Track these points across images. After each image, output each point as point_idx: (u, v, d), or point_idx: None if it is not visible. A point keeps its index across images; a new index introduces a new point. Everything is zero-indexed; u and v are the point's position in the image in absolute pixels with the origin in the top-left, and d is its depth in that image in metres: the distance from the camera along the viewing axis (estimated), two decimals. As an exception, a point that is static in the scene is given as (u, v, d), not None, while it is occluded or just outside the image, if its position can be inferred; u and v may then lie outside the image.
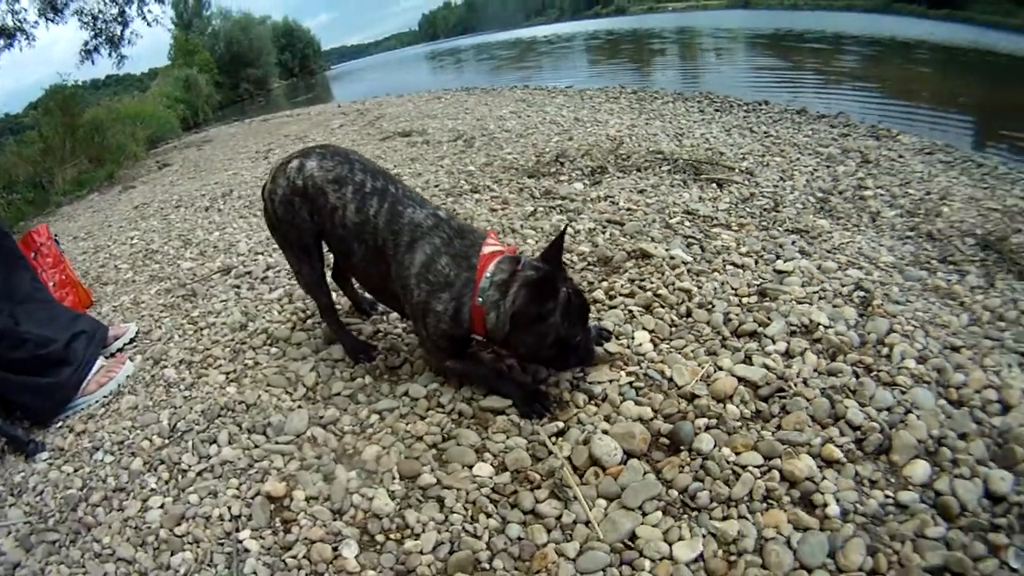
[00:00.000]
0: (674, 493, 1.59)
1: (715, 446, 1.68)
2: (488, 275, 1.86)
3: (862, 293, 2.49)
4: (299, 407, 2.11)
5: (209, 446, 2.01)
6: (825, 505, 1.49)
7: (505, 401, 1.95)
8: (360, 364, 2.30)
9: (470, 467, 1.76)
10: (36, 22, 11.76)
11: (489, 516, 1.62)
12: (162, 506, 1.82)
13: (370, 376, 2.22)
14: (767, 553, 1.40)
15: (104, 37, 12.71)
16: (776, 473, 1.58)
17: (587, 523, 1.55)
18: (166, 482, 1.92)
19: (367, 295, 2.69)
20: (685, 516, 1.54)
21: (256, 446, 1.97)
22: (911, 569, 1.31)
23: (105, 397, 2.43)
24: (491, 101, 9.77)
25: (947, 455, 1.58)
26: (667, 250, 2.87)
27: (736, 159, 4.79)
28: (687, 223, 3.28)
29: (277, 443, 1.97)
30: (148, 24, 12.90)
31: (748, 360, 2.04)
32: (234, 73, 27.45)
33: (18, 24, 11.76)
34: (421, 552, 1.53)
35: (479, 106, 9.10)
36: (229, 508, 1.75)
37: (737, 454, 1.66)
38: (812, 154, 5.12)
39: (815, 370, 1.96)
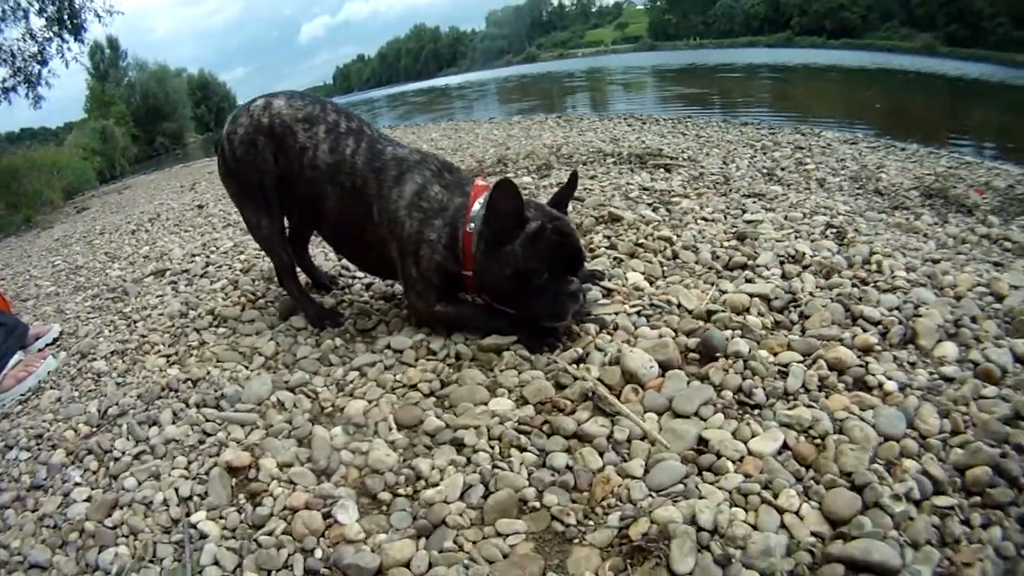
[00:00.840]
0: (728, 395, 1.37)
1: (750, 350, 1.49)
2: (481, 201, 1.67)
3: (834, 229, 2.48)
4: (258, 375, 1.76)
5: (148, 428, 1.60)
6: (880, 385, 1.36)
7: (508, 338, 1.67)
8: (326, 331, 1.97)
9: (484, 404, 1.46)
10: None
11: (523, 450, 1.30)
12: (89, 498, 1.42)
13: (340, 339, 1.89)
14: (849, 430, 1.22)
15: (22, 76, 11.90)
16: (823, 363, 1.43)
17: (644, 437, 1.29)
18: (94, 472, 1.51)
19: (323, 271, 2.41)
20: (748, 415, 1.32)
21: (208, 420, 1.58)
22: (987, 422, 1.22)
23: (23, 395, 2.05)
24: (417, 131, 9.76)
25: (968, 334, 1.57)
26: (635, 212, 2.75)
27: (676, 153, 4.78)
28: (646, 196, 3.16)
29: (236, 411, 1.59)
30: (66, 65, 12.16)
31: (751, 282, 1.89)
32: (150, 126, 25.77)
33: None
34: (446, 501, 1.20)
35: (406, 135, 9.00)
36: (176, 490, 1.34)
37: (775, 355, 1.49)
38: (747, 146, 5.20)
39: (817, 286, 1.88)
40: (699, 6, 55.02)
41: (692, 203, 2.95)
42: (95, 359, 2.17)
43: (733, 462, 1.19)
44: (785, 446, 1.22)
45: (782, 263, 2.07)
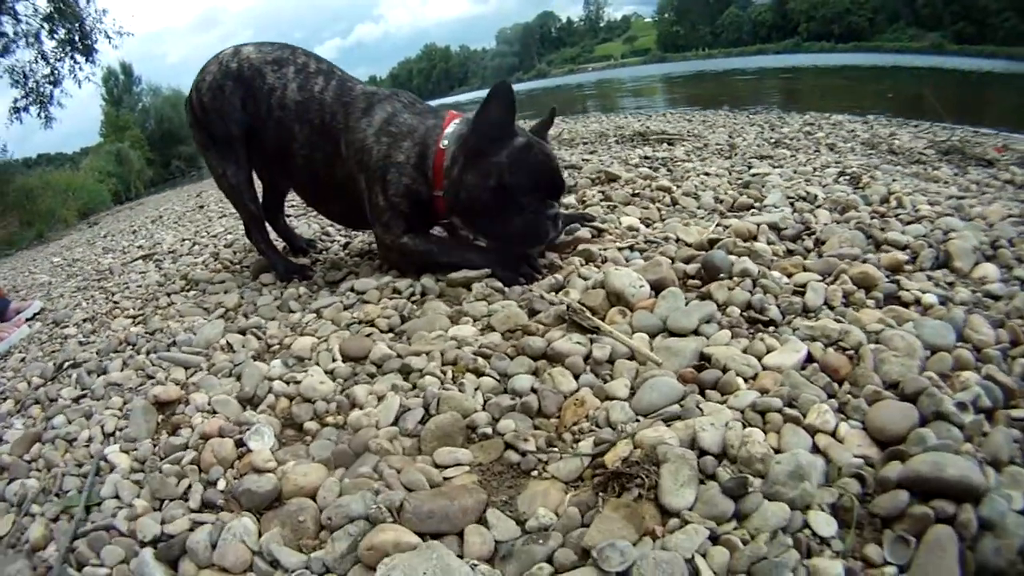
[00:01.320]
0: (735, 311, 1.14)
1: (760, 271, 1.26)
2: (457, 122, 1.56)
3: (848, 176, 2.27)
4: (211, 322, 1.58)
5: (97, 377, 1.46)
6: (918, 300, 1.14)
7: (481, 271, 1.47)
8: (293, 283, 1.79)
9: (443, 332, 1.24)
10: None
11: (480, 374, 1.08)
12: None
13: (305, 289, 1.71)
14: (888, 340, 0.98)
15: (34, 96, 11.91)
16: (846, 279, 1.20)
17: (632, 357, 1.05)
18: (33, 418, 1.38)
19: (300, 235, 2.24)
20: (761, 333, 1.08)
21: (153, 364, 1.42)
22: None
23: None
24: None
25: (1008, 255, 1.38)
26: (633, 173, 2.56)
27: (681, 132, 4.58)
28: (647, 163, 2.97)
29: (183, 352, 1.42)
30: (78, 84, 12.24)
31: (759, 215, 1.68)
32: (165, 150, 24.97)
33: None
34: (376, 425, 0.98)
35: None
36: (102, 427, 1.21)
37: (789, 276, 1.25)
38: (755, 125, 4.99)
39: (832, 220, 1.67)
40: (707, 17, 54.75)
41: (695, 164, 2.76)
42: (67, 326, 2.08)
43: (745, 379, 0.95)
44: (810, 359, 0.98)
45: (792, 203, 1.86)
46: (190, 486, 0.96)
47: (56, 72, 11.69)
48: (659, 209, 1.94)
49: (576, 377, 1.03)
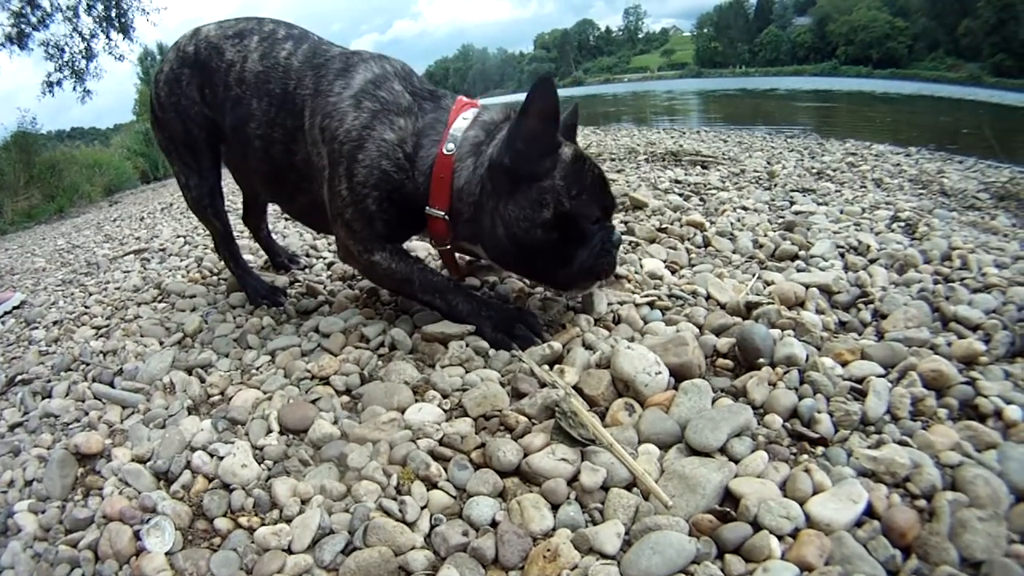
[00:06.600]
0: (775, 422, 0.88)
1: (808, 357, 1.02)
2: (465, 117, 1.22)
3: (902, 223, 2.02)
4: (161, 352, 1.39)
5: (40, 399, 1.31)
6: (999, 412, 0.88)
7: (462, 327, 1.21)
8: (260, 309, 1.58)
9: (401, 411, 1.00)
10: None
11: (433, 485, 0.85)
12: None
13: (270, 319, 1.50)
14: (967, 484, 0.73)
15: (69, 70, 11.76)
16: (915, 377, 0.94)
17: (632, 484, 0.81)
18: None
19: (284, 248, 2.02)
20: (807, 456, 0.83)
21: (94, 397, 1.25)
22: None
23: None
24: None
25: None
26: (662, 200, 2.32)
27: (715, 153, 4.32)
28: (677, 188, 2.73)
29: (123, 390, 1.24)
30: (116, 59, 12.06)
31: (804, 272, 1.43)
32: None
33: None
34: (288, 549, 0.77)
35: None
36: (24, 470, 1.06)
37: (844, 364, 1.00)
38: (794, 151, 4.71)
39: (890, 282, 1.42)
40: (745, 34, 53.98)
41: (731, 194, 2.51)
42: (37, 327, 1.95)
43: (780, 538, 0.70)
44: (869, 511, 0.73)
45: (843, 254, 1.62)
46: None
47: (90, 48, 11.65)
48: (688, 251, 1.70)
49: (554, 509, 0.78)
